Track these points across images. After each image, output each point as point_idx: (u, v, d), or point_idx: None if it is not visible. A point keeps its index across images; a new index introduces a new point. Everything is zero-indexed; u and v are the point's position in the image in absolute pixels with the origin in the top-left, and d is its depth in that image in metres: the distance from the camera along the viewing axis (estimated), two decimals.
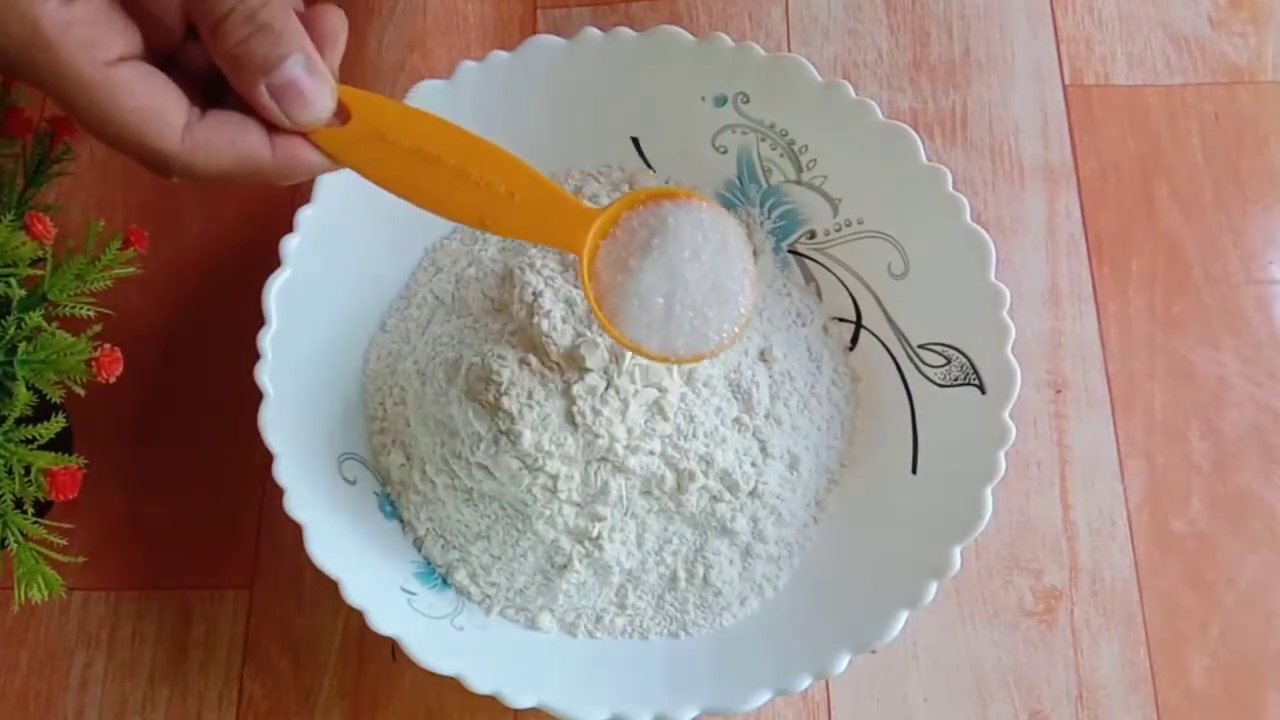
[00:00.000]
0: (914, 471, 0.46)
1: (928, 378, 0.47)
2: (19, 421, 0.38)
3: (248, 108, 0.31)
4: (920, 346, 0.47)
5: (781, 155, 0.50)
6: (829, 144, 0.49)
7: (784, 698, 0.45)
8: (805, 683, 0.40)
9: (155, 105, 0.30)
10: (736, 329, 0.37)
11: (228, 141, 0.31)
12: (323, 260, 0.46)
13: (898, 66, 0.57)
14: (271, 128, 0.31)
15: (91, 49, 0.29)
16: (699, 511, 0.44)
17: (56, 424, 0.38)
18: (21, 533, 0.38)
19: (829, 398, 0.48)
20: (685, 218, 0.37)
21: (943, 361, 0.46)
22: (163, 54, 0.32)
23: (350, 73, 0.57)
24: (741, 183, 0.51)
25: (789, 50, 0.57)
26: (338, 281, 0.47)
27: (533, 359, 0.44)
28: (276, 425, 0.42)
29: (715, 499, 0.45)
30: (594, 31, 0.48)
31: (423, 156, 0.33)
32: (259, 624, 0.49)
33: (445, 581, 0.46)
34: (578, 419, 0.43)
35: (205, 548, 0.50)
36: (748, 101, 0.49)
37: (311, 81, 0.31)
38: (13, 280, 0.38)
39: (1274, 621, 0.47)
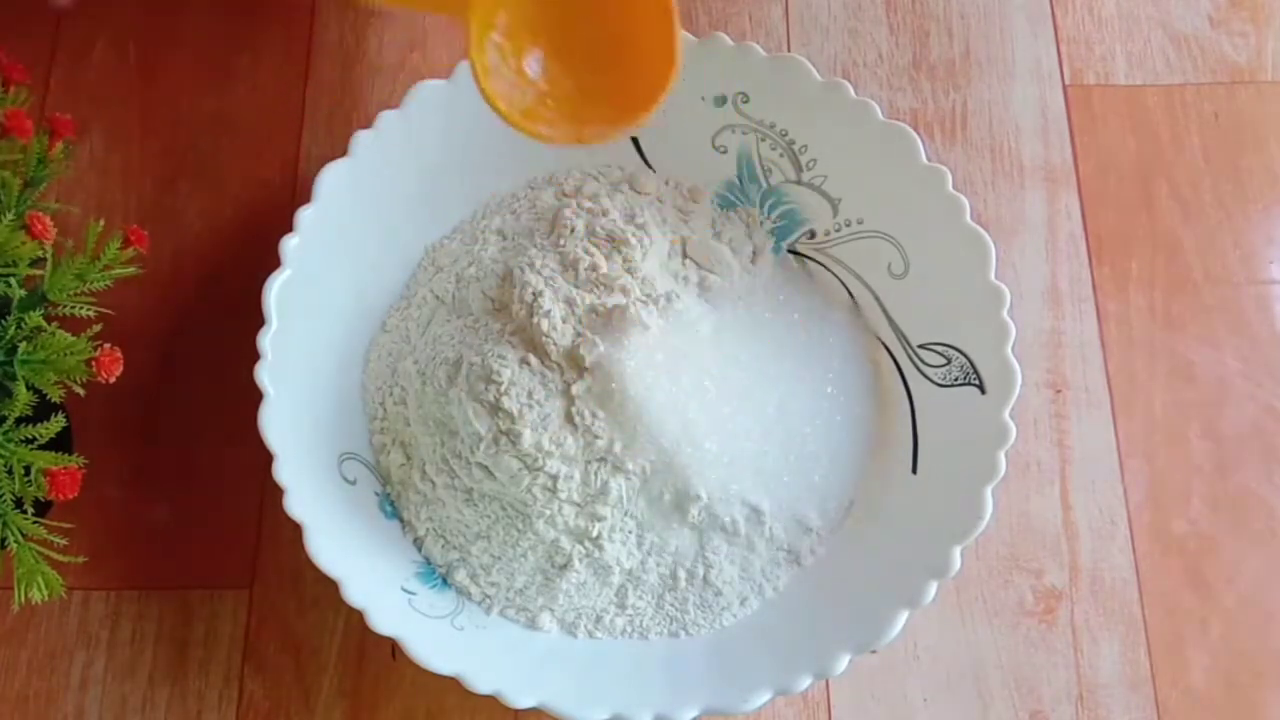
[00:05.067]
0: (914, 471, 0.46)
1: (928, 378, 0.47)
2: (19, 421, 0.38)
3: None
4: (920, 346, 0.47)
5: (781, 155, 0.50)
6: (829, 144, 0.49)
7: (784, 698, 0.45)
8: (805, 683, 0.40)
9: None
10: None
11: None
12: (323, 260, 0.46)
13: (898, 66, 0.57)
14: None
15: None
16: (699, 519, 0.44)
17: (56, 424, 0.38)
18: (21, 533, 0.38)
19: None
20: None
21: (943, 361, 0.46)
22: None
23: (350, 72, 0.58)
24: (741, 183, 0.51)
25: (789, 50, 0.57)
26: (338, 281, 0.47)
27: (533, 359, 0.44)
28: (276, 425, 0.42)
29: (715, 513, 0.45)
30: None
31: None
32: (259, 624, 0.49)
33: (445, 581, 0.46)
34: (577, 419, 0.43)
35: (205, 548, 0.50)
36: (748, 101, 0.49)
37: None
38: (13, 280, 0.38)
39: (1274, 621, 0.47)
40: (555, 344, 0.44)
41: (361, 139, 0.47)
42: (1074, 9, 0.57)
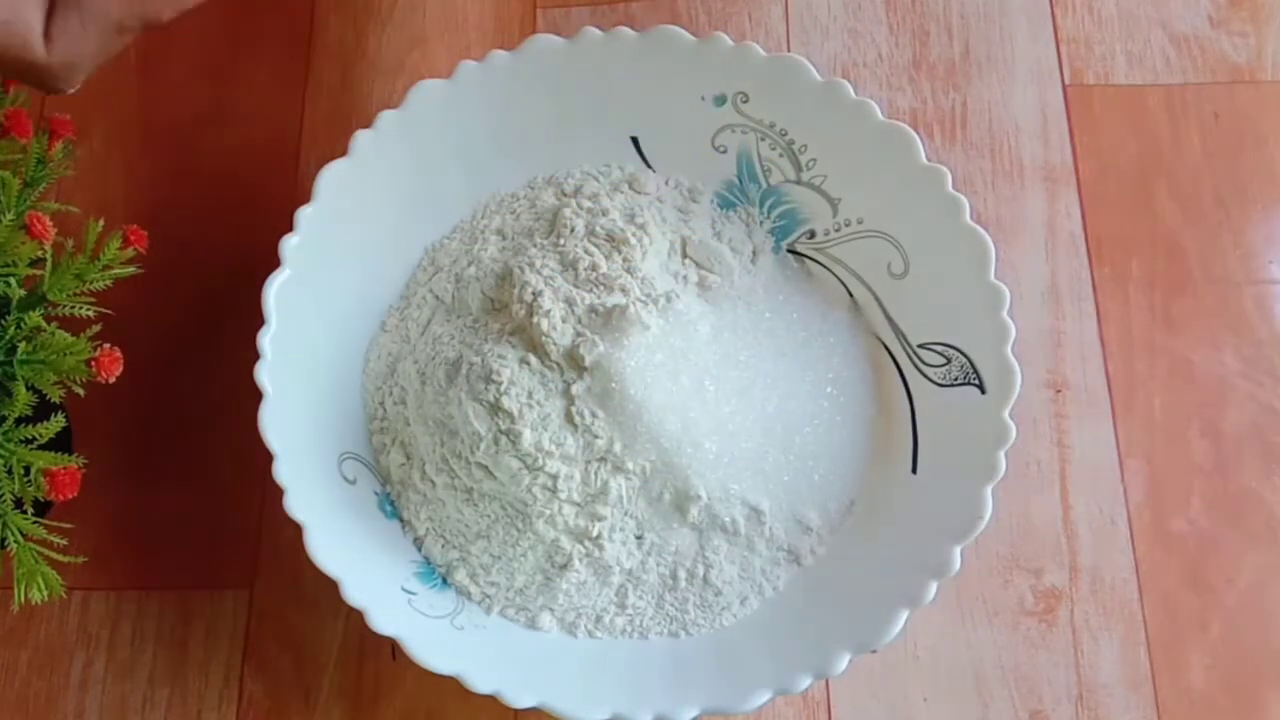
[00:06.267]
0: (914, 471, 0.46)
1: (928, 378, 0.47)
2: (19, 421, 0.38)
3: None
4: (920, 346, 0.47)
5: (781, 155, 0.50)
6: (829, 143, 0.49)
7: (784, 698, 0.45)
8: (805, 683, 0.40)
9: (9, 18, 0.29)
10: None
11: (83, 20, 0.30)
12: (323, 260, 0.46)
13: (898, 66, 0.57)
14: None
15: None
16: (699, 519, 0.45)
17: (56, 424, 0.38)
18: (21, 533, 0.38)
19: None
20: None
21: (943, 361, 0.46)
22: None
23: (350, 72, 0.58)
24: (741, 182, 0.51)
25: (789, 50, 0.57)
26: (338, 281, 0.47)
27: (533, 359, 0.44)
28: (276, 425, 0.42)
29: (715, 513, 0.45)
30: (594, 31, 0.48)
31: None
32: (259, 624, 0.49)
33: (445, 581, 0.46)
34: (577, 419, 0.43)
35: (205, 548, 0.50)
36: (747, 101, 0.49)
37: None
38: (13, 280, 0.38)
39: (1274, 621, 0.47)
40: (555, 344, 0.44)
41: (361, 139, 0.47)
42: (1074, 9, 0.57)
